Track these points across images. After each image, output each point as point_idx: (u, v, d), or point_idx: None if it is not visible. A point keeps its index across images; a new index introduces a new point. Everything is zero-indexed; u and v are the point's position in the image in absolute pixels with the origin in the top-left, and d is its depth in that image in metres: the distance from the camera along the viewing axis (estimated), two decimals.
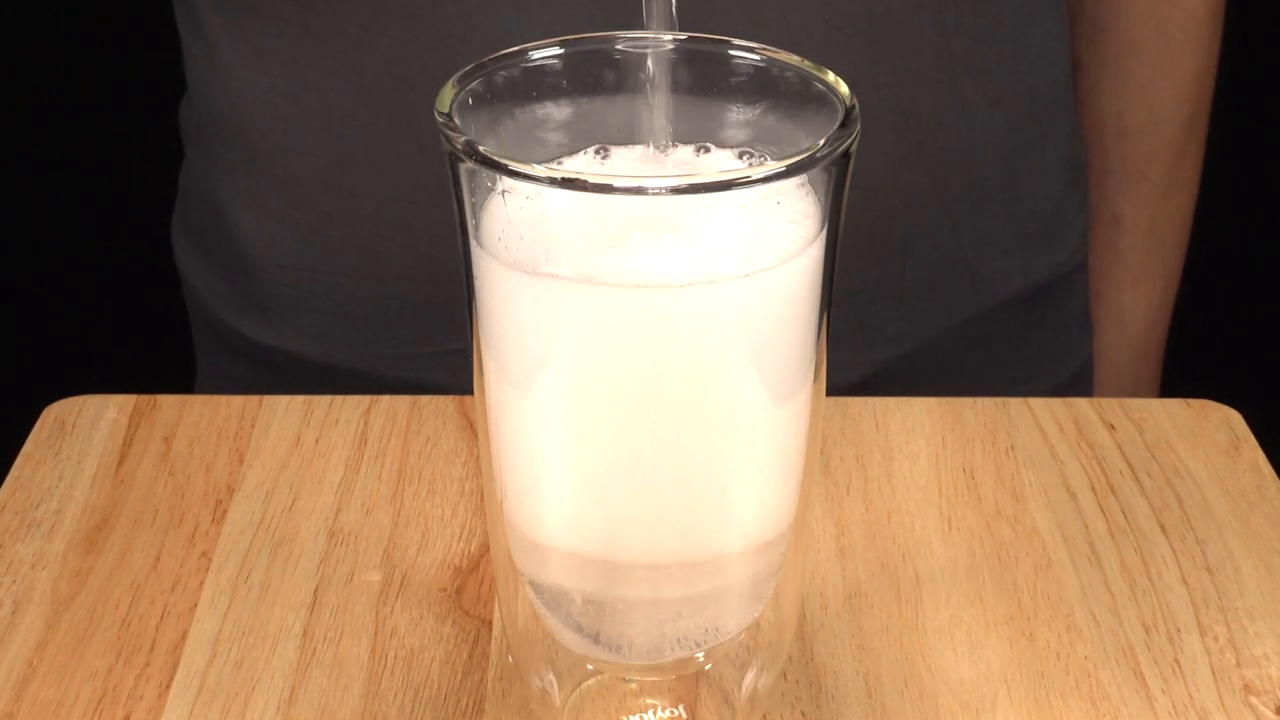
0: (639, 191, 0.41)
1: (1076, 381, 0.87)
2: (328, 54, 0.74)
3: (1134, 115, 0.88)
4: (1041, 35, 0.78)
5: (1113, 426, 0.67)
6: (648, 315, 0.42)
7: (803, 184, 0.44)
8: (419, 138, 0.71)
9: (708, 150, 0.47)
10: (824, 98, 0.46)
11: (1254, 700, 0.55)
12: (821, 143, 0.43)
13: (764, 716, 0.54)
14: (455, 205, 0.45)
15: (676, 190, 0.41)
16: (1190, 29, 0.86)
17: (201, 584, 0.59)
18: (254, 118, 0.77)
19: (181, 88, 0.82)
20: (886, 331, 0.78)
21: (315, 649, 0.56)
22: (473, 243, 0.44)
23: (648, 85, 0.46)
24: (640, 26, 0.47)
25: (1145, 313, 0.91)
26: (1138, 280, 0.90)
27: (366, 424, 0.67)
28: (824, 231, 0.44)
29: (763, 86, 0.47)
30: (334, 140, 0.75)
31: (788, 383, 0.46)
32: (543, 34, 0.48)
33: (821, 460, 0.65)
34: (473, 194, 0.44)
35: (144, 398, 0.68)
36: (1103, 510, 0.63)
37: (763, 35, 0.48)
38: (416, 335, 0.77)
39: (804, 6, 0.71)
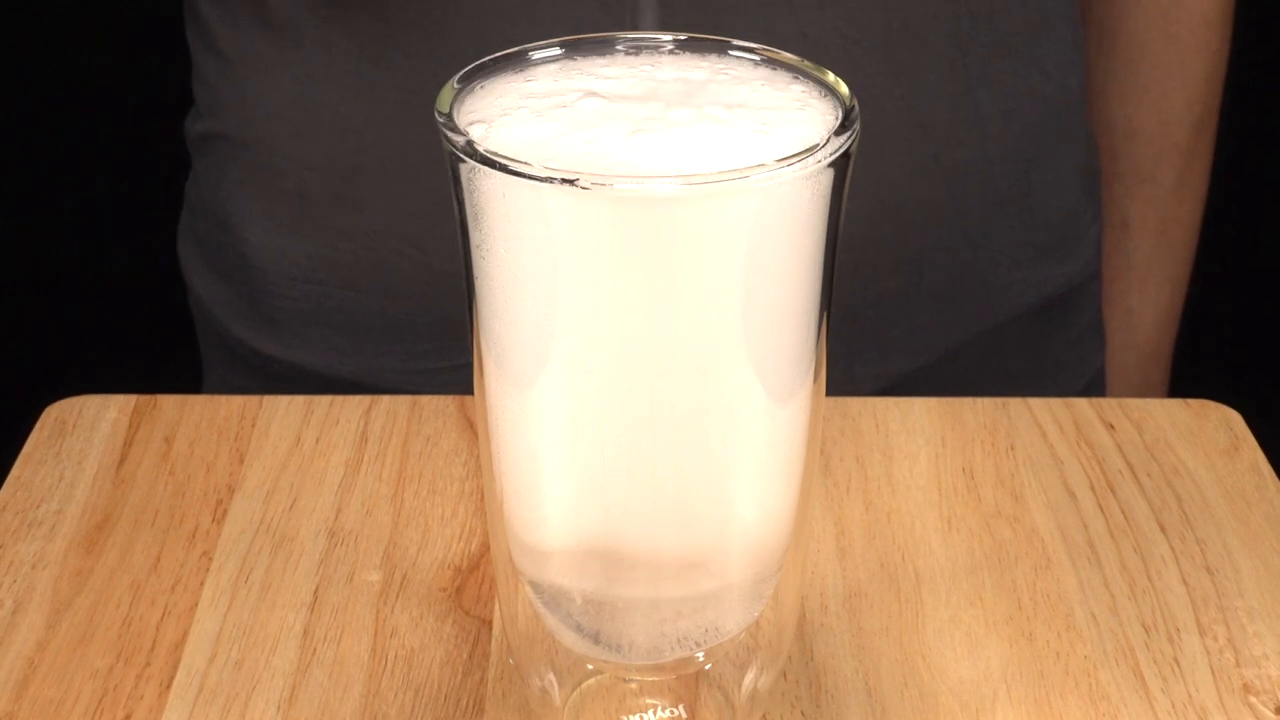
0: (641, 191, 0.41)
1: (1088, 393, 0.86)
2: (340, 69, 0.74)
3: (1142, 118, 0.87)
4: (1056, 46, 0.78)
5: (1112, 426, 0.67)
6: (648, 227, 0.42)
7: (818, 112, 0.45)
8: (430, 152, 0.71)
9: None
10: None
11: (1253, 700, 0.55)
12: (822, 143, 0.43)
13: (764, 716, 0.54)
14: (455, 205, 0.45)
15: (674, 189, 0.41)
16: (1199, 31, 0.86)
17: (202, 584, 0.59)
18: (265, 132, 0.77)
19: (190, 93, 0.82)
20: (902, 344, 0.78)
21: (315, 649, 0.56)
22: (466, 178, 0.44)
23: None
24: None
25: (1154, 316, 0.91)
26: (1146, 283, 0.90)
27: (366, 424, 0.67)
28: (831, 165, 0.44)
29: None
30: (345, 154, 0.75)
31: (787, 381, 0.46)
32: None
33: (821, 460, 0.65)
34: (472, 194, 0.44)
35: (145, 398, 0.68)
36: (1102, 510, 0.63)
37: (779, 49, 0.48)
38: (426, 350, 0.77)
39: (821, 21, 0.71)
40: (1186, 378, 0.95)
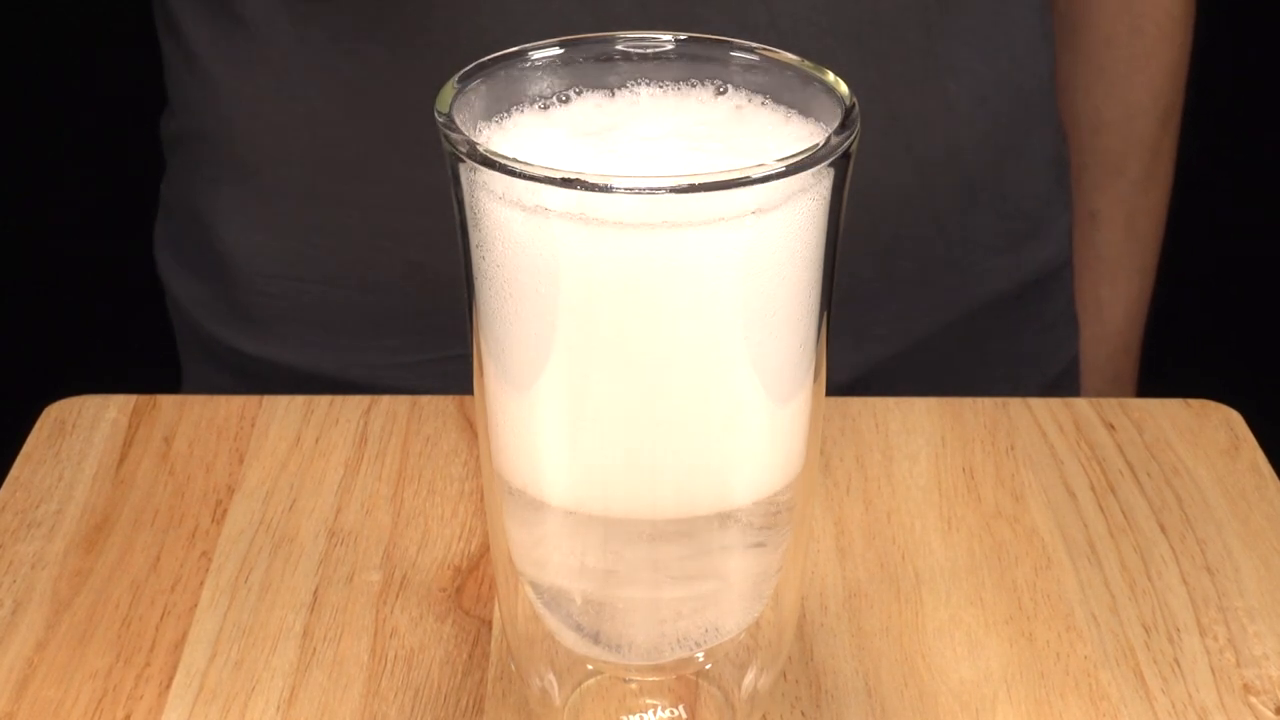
0: (639, 191, 0.41)
1: (1064, 379, 0.87)
2: (315, 64, 0.73)
3: (1109, 111, 0.88)
4: (1026, 34, 0.79)
5: (1112, 426, 0.67)
6: (648, 227, 0.42)
7: (811, 122, 0.45)
8: (407, 147, 0.71)
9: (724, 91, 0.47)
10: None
11: (1254, 700, 0.55)
12: (822, 143, 0.43)
13: (764, 716, 0.54)
14: (455, 205, 0.45)
15: (675, 190, 0.41)
16: (1164, 24, 0.86)
17: (201, 584, 0.59)
18: (240, 128, 0.76)
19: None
20: (875, 331, 0.79)
21: (315, 649, 0.56)
22: (466, 178, 0.44)
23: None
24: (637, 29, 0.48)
25: (1124, 308, 0.91)
26: (1115, 276, 0.91)
27: (366, 424, 0.67)
28: (831, 165, 0.44)
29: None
30: (321, 150, 0.75)
31: (788, 381, 0.46)
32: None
33: (821, 460, 0.65)
34: (472, 194, 0.44)
35: (144, 398, 0.68)
36: (1102, 510, 0.63)
37: (751, 39, 0.48)
38: (407, 344, 0.77)
39: (792, 11, 0.71)
40: (1185, 378, 0.95)
